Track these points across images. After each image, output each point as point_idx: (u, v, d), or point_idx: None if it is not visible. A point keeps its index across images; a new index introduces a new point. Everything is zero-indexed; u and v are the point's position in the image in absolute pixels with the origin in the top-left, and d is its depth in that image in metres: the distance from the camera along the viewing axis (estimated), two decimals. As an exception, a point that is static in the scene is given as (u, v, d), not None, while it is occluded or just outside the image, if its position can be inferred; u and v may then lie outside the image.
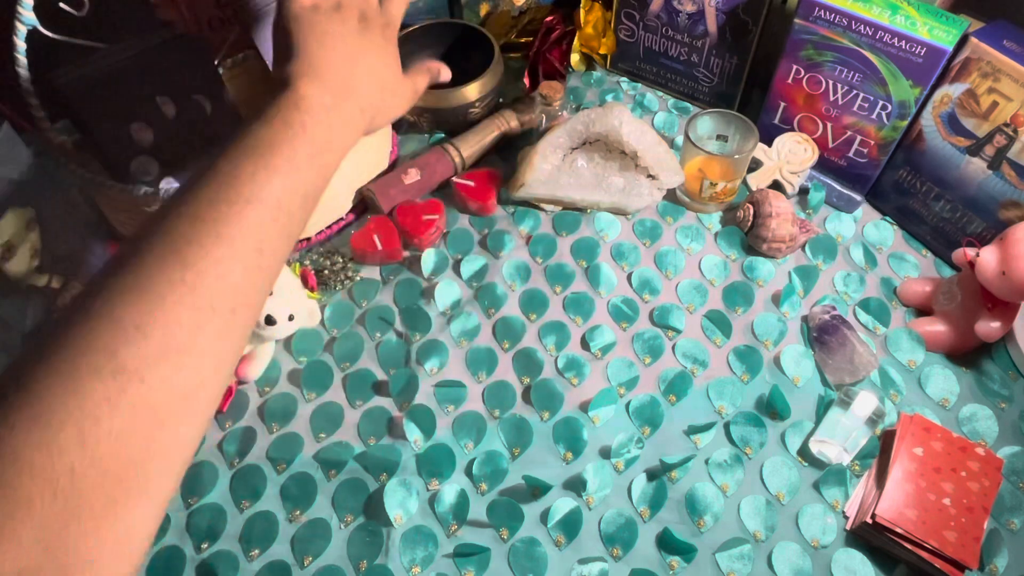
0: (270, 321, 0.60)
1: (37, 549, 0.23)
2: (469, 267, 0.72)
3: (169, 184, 0.63)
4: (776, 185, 0.77)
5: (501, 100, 0.86)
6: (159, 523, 0.29)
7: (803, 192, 0.78)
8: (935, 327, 0.65)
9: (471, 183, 0.76)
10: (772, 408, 0.62)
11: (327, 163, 0.38)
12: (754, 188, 0.77)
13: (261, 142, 0.34)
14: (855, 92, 0.70)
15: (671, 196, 0.78)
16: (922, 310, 0.69)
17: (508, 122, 0.81)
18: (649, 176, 0.74)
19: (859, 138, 0.73)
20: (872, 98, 0.69)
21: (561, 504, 0.56)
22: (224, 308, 0.28)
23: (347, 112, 0.40)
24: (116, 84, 0.57)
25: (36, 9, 0.53)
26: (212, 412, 0.30)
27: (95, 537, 0.25)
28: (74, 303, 0.27)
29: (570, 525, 0.56)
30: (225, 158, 0.33)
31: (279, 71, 0.41)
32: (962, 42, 0.62)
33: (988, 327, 0.61)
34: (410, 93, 0.50)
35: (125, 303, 0.27)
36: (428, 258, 0.72)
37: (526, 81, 0.88)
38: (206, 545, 0.56)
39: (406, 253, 0.74)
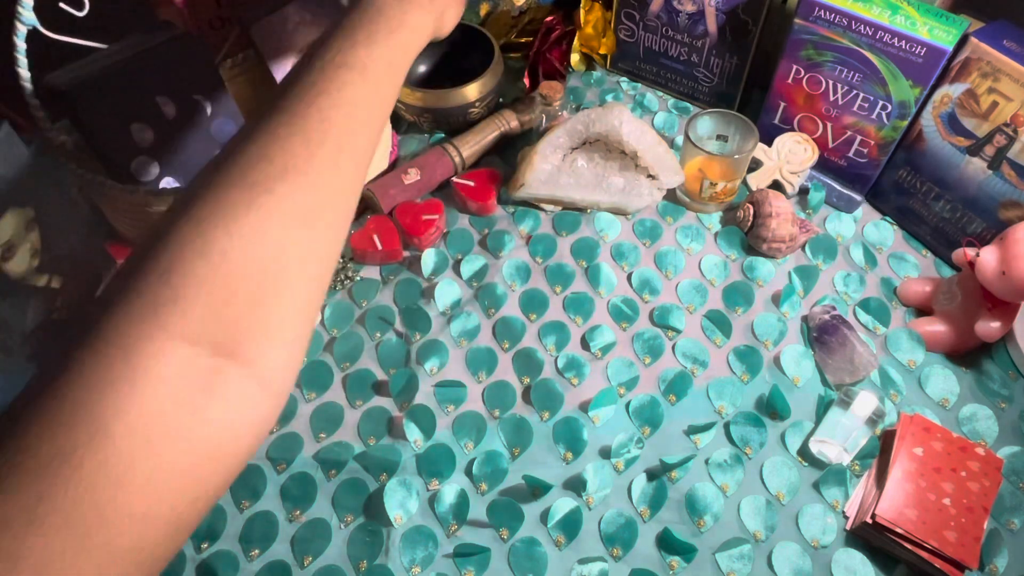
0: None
1: (204, 321, 0.28)
2: (469, 267, 0.72)
3: (169, 184, 0.63)
4: (776, 185, 0.77)
5: (501, 100, 0.86)
6: (307, 336, 0.34)
7: (803, 192, 0.78)
8: (935, 327, 0.65)
9: (471, 183, 0.76)
10: (772, 408, 0.62)
11: (405, 40, 0.44)
12: (754, 188, 0.77)
13: (349, 21, 0.42)
14: (855, 92, 0.70)
15: (671, 196, 0.78)
16: (922, 310, 0.69)
17: (508, 122, 0.81)
18: (649, 176, 0.74)
19: (859, 138, 0.73)
20: (872, 98, 0.69)
21: (561, 504, 0.56)
22: (331, 144, 0.35)
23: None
24: (116, 84, 0.56)
25: (36, 9, 0.53)
26: (335, 236, 0.36)
27: (250, 318, 0.30)
28: (218, 155, 0.35)
29: (570, 525, 0.56)
30: (320, 40, 0.41)
31: None
32: (962, 42, 0.62)
33: (988, 327, 0.61)
34: (463, 3, 0.56)
35: (252, 141, 0.34)
36: (428, 258, 0.72)
37: (526, 81, 0.88)
38: (206, 545, 0.56)
39: (406, 253, 0.74)
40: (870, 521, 0.52)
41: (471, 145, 0.79)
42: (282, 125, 0.35)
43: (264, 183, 0.32)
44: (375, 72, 0.40)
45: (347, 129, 0.37)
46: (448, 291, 0.70)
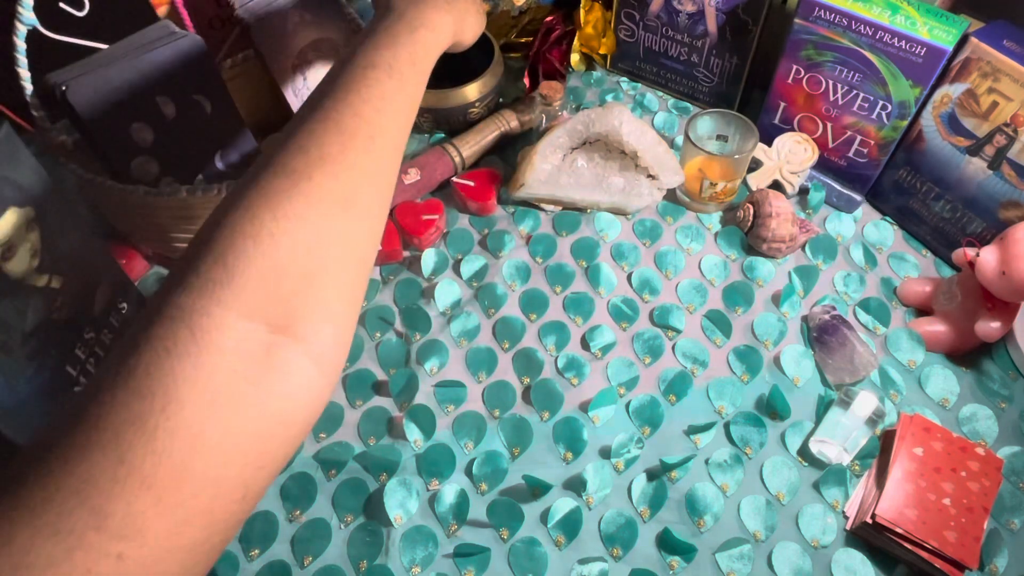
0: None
1: (258, 298, 0.31)
2: (469, 267, 0.72)
3: (169, 184, 0.63)
4: (776, 185, 0.77)
5: (501, 100, 0.86)
6: (354, 317, 0.36)
7: (803, 192, 0.78)
8: (935, 327, 0.65)
9: (471, 183, 0.76)
10: (772, 408, 0.62)
11: (425, 39, 0.48)
12: (754, 188, 0.77)
13: (372, 27, 0.47)
14: (855, 92, 0.70)
15: (671, 196, 0.78)
16: (922, 310, 0.69)
17: (508, 122, 0.81)
18: (649, 176, 0.74)
19: (859, 138, 0.73)
20: (872, 98, 0.69)
21: (561, 504, 0.56)
22: (363, 136, 0.38)
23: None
24: (116, 84, 0.56)
25: (36, 9, 0.53)
26: (374, 221, 0.39)
27: (301, 297, 0.32)
28: (263, 154, 0.38)
29: (570, 525, 0.56)
30: (348, 48, 0.45)
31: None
32: (962, 42, 0.62)
33: (988, 327, 0.61)
34: (483, 13, 0.61)
35: (291, 137, 0.37)
36: (428, 258, 0.72)
37: (526, 81, 0.88)
38: (206, 545, 0.56)
39: (406, 253, 0.74)
40: (870, 521, 0.52)
41: (471, 145, 0.79)
42: (317, 121, 0.38)
43: (303, 171, 0.35)
44: (399, 70, 0.43)
45: (377, 122, 0.40)
46: (448, 291, 0.70)
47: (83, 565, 0.24)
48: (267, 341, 0.30)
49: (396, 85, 0.42)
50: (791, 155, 0.76)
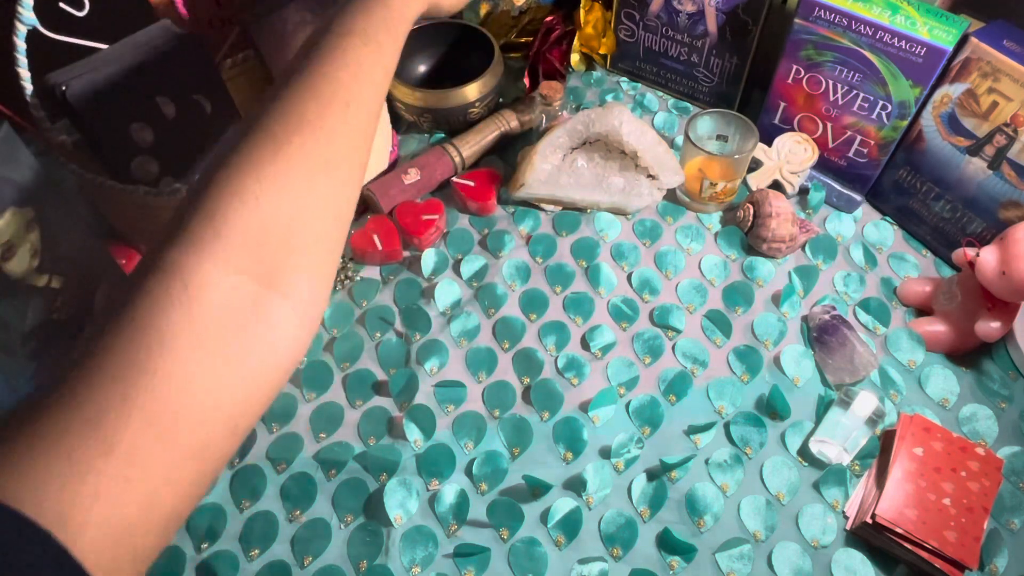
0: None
1: (245, 255, 0.33)
2: (469, 267, 0.72)
3: (169, 184, 0.63)
4: (776, 185, 0.77)
5: (501, 100, 0.86)
6: (332, 275, 0.38)
7: (803, 192, 0.78)
8: (935, 327, 0.65)
9: (471, 183, 0.76)
10: (772, 408, 0.62)
11: (400, 5, 0.47)
12: (754, 188, 0.77)
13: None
14: (855, 92, 0.70)
15: (671, 196, 0.78)
16: (922, 310, 0.69)
17: (508, 122, 0.81)
18: (649, 176, 0.74)
19: (859, 138, 0.73)
20: (872, 98, 0.69)
21: (561, 504, 0.56)
22: (340, 100, 0.39)
23: None
24: (116, 84, 0.56)
25: (36, 9, 0.53)
26: (351, 184, 0.40)
27: (284, 254, 0.34)
28: (244, 121, 0.39)
29: (570, 525, 0.56)
30: (323, 20, 0.45)
31: None
32: (962, 42, 0.62)
33: (988, 327, 0.61)
34: None
35: (272, 102, 0.38)
36: (428, 258, 0.72)
37: (526, 81, 0.88)
38: (206, 545, 0.56)
39: (406, 253, 0.74)
40: (870, 521, 0.52)
41: (471, 145, 0.79)
42: (297, 88, 0.39)
43: (284, 135, 0.37)
44: (375, 35, 0.44)
45: (354, 88, 0.41)
46: (448, 291, 0.70)
47: (93, 486, 0.26)
48: (253, 294, 0.33)
49: (372, 51, 0.43)
50: (791, 155, 0.76)
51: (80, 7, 0.56)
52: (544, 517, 0.56)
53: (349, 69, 0.41)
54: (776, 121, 0.78)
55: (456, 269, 0.72)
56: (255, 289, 0.33)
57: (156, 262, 0.32)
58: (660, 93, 0.91)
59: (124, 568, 0.27)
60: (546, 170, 0.74)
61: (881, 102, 0.69)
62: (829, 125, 0.75)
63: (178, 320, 0.30)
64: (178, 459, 0.29)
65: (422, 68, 0.90)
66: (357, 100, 0.41)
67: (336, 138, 0.39)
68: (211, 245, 0.32)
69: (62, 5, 0.56)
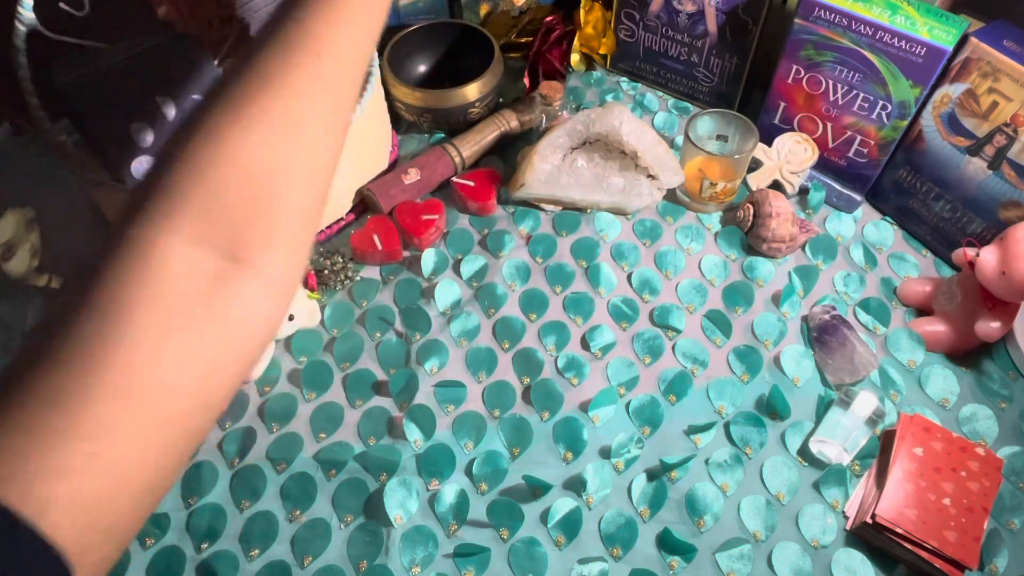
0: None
1: (205, 226, 0.32)
2: (469, 267, 0.72)
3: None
4: (776, 185, 0.77)
5: (501, 100, 0.86)
6: (307, 242, 0.36)
7: (803, 192, 0.78)
8: (935, 327, 0.65)
9: (471, 183, 0.76)
10: (772, 408, 0.62)
11: None
12: (754, 188, 0.77)
13: None
14: (855, 92, 0.70)
15: (671, 196, 0.78)
16: (922, 310, 0.69)
17: (508, 122, 0.81)
18: (649, 176, 0.74)
19: (859, 138, 0.73)
20: (872, 98, 0.69)
21: (561, 504, 0.56)
22: (311, 53, 0.37)
23: None
24: (116, 84, 0.56)
25: (36, 9, 0.53)
26: (327, 144, 0.38)
27: (248, 224, 0.33)
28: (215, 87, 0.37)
29: (570, 525, 0.56)
30: None
31: None
32: (962, 42, 0.62)
33: (988, 327, 0.61)
34: None
35: (234, 66, 0.36)
36: (428, 258, 0.72)
37: (526, 81, 0.88)
38: (206, 545, 0.56)
39: (406, 253, 0.74)
40: (870, 521, 0.52)
41: (471, 145, 0.79)
42: (261, 44, 0.37)
43: (242, 96, 0.35)
44: (352, 14, 0.40)
45: (327, 36, 0.37)
46: (448, 291, 0.70)
47: (56, 461, 0.26)
48: (215, 267, 0.32)
49: (346, 29, 0.39)
50: (791, 155, 0.76)
51: (80, 7, 0.56)
52: (544, 517, 0.56)
53: (323, 16, 0.37)
54: (776, 121, 0.78)
55: (456, 269, 0.72)
56: (218, 263, 0.32)
57: (118, 237, 0.31)
58: (660, 93, 0.91)
59: (97, 543, 0.27)
60: (546, 170, 0.74)
61: (881, 102, 0.69)
62: (829, 125, 0.75)
63: (140, 296, 0.30)
64: (147, 433, 0.29)
65: (422, 68, 0.90)
66: (331, 50, 0.37)
67: (304, 95, 0.36)
68: (169, 219, 0.31)
69: (62, 5, 0.55)
